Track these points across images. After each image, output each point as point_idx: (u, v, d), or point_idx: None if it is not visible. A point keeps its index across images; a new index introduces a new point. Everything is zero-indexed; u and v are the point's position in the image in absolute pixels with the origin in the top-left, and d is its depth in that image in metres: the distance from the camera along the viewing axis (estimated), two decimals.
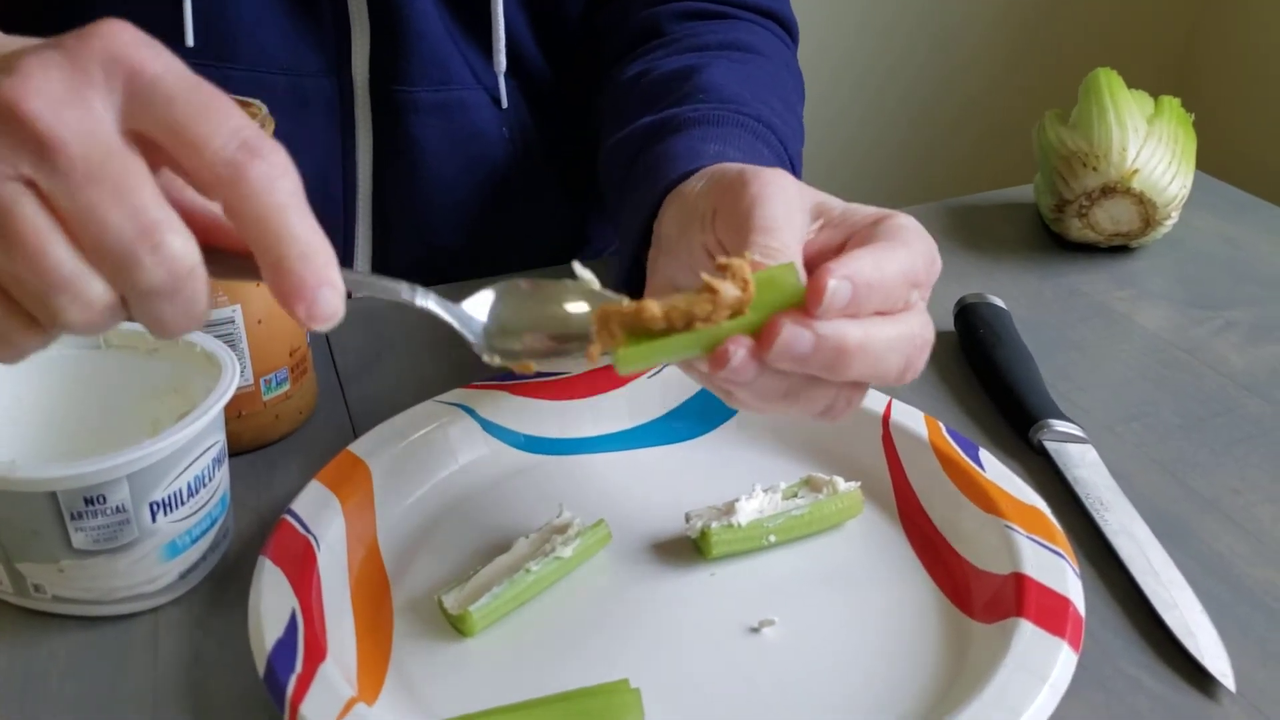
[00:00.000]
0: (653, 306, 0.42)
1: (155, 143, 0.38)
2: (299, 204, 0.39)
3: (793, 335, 0.42)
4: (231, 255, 0.41)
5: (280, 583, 0.50)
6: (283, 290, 0.39)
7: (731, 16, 0.79)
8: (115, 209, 0.37)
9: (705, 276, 0.42)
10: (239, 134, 0.38)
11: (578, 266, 0.45)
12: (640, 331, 0.42)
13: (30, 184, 0.36)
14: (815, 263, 0.49)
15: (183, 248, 0.38)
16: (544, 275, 0.82)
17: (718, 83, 0.68)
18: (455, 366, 0.71)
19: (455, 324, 0.46)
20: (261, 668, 0.46)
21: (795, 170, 0.66)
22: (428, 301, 0.45)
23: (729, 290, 0.42)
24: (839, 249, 0.49)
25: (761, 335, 0.42)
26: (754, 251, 0.46)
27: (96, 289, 0.38)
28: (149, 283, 0.37)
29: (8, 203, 0.36)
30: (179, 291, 0.38)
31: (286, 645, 0.47)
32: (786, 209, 0.49)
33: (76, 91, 0.37)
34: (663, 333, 0.42)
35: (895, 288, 0.44)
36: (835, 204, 0.51)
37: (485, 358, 0.46)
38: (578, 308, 0.46)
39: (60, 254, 0.37)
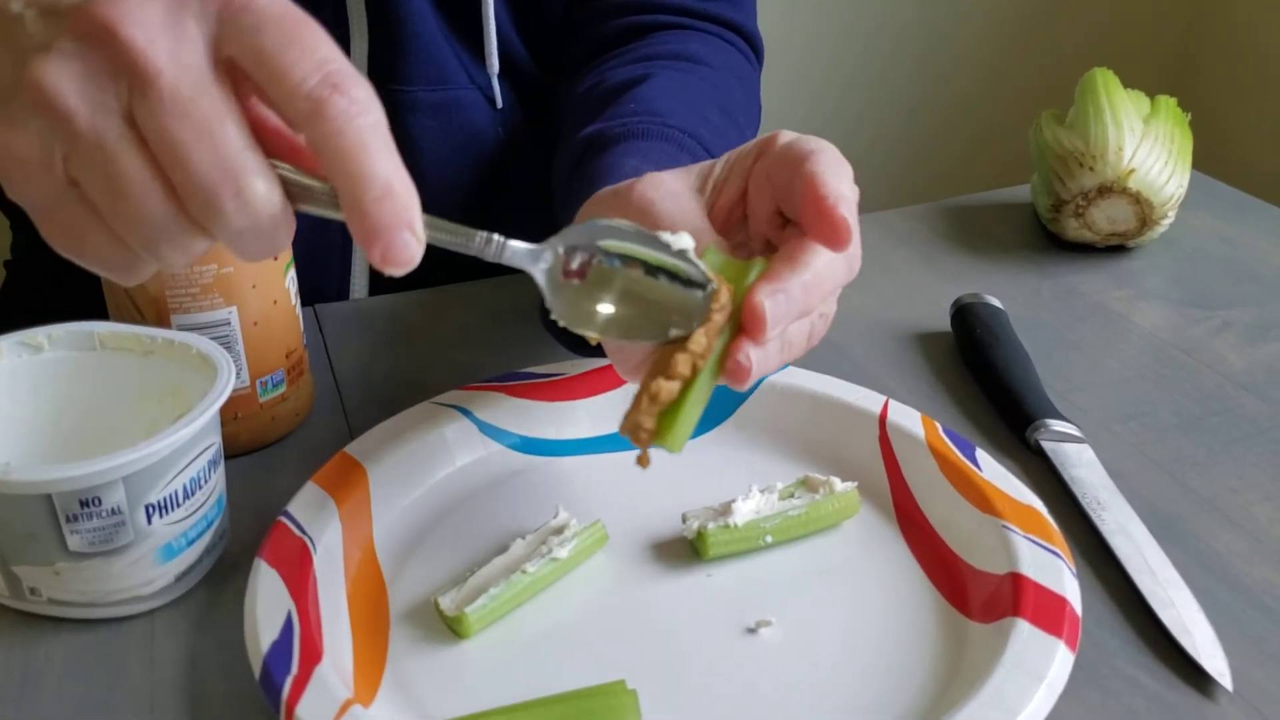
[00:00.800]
0: (664, 387, 0.44)
1: (245, 72, 0.37)
2: (380, 143, 0.38)
3: (772, 306, 0.45)
4: (321, 186, 0.40)
5: (276, 585, 0.50)
6: (360, 231, 0.38)
7: (689, 28, 0.80)
8: (201, 150, 0.36)
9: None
10: (323, 67, 0.37)
11: (683, 239, 0.47)
12: (661, 407, 0.45)
13: (128, 119, 0.36)
14: (731, 217, 0.53)
15: (265, 193, 0.38)
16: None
17: (654, 96, 0.69)
18: (452, 368, 0.71)
19: (540, 282, 0.46)
20: (257, 670, 0.46)
21: None
22: (502, 255, 0.45)
23: (715, 312, 0.45)
24: (743, 193, 0.52)
25: (746, 325, 0.45)
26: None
27: (188, 236, 0.38)
28: (232, 226, 0.38)
29: (113, 148, 0.36)
30: (261, 231, 0.39)
31: (282, 647, 0.47)
32: (673, 199, 0.51)
33: (174, 15, 0.36)
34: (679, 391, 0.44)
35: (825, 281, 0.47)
36: (710, 165, 0.54)
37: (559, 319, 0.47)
38: (671, 289, 0.46)
39: (156, 206, 0.37)
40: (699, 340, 0.44)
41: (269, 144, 0.40)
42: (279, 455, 0.64)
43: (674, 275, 0.46)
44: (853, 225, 0.46)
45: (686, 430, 0.45)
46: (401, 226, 0.38)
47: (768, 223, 0.52)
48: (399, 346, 0.74)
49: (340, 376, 0.71)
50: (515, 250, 0.45)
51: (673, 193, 0.52)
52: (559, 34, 0.84)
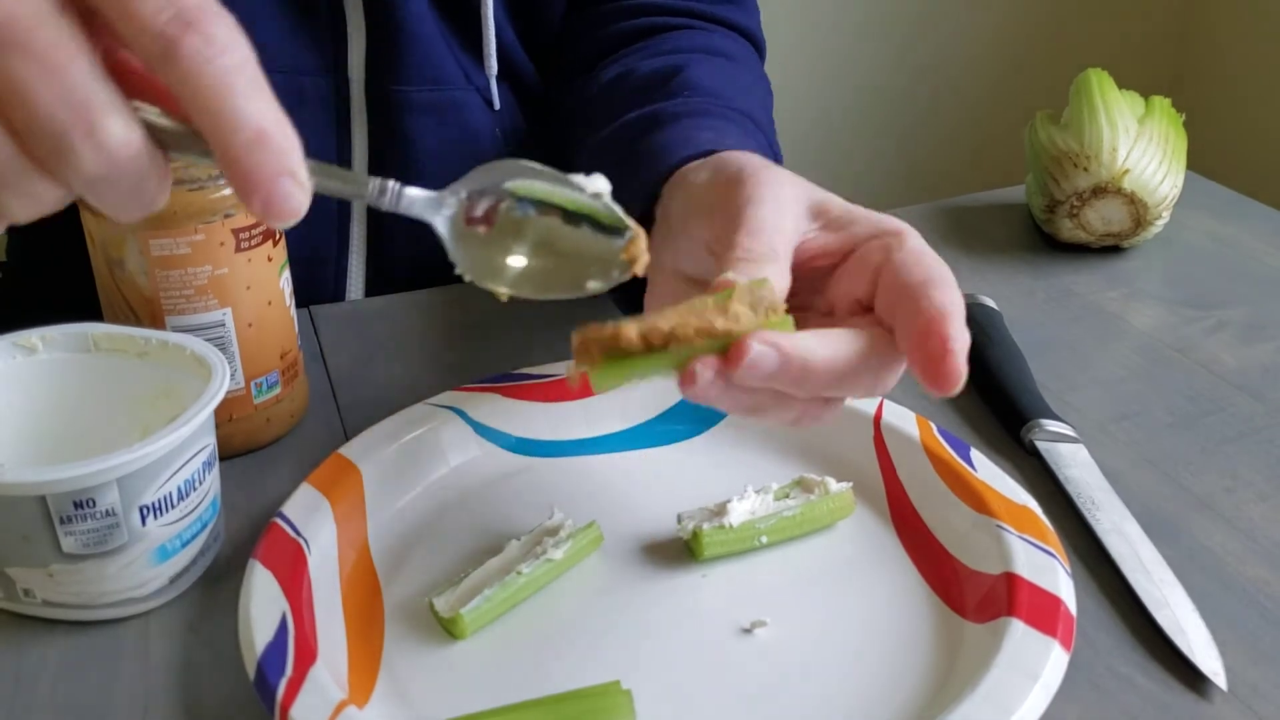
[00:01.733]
0: (629, 331, 0.42)
1: (93, 8, 0.34)
2: (245, 84, 0.35)
3: (759, 355, 0.42)
4: (189, 130, 0.37)
5: (270, 586, 0.50)
6: (234, 179, 0.35)
7: (703, 29, 0.80)
8: (45, 85, 0.33)
9: (708, 312, 0.43)
10: (175, 2, 0.34)
11: (599, 181, 0.45)
12: (618, 352, 0.43)
13: None
14: (811, 264, 0.50)
15: (122, 133, 0.34)
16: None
17: (702, 80, 0.68)
18: (447, 369, 0.71)
19: (441, 232, 0.45)
20: (251, 671, 0.46)
21: (779, 158, 0.66)
22: (398, 204, 0.43)
23: (719, 323, 0.42)
24: (840, 256, 0.49)
25: (729, 354, 0.43)
26: (737, 252, 0.46)
27: (35, 183, 0.35)
28: (86, 170, 0.34)
29: None
30: (122, 179, 0.35)
31: (277, 648, 0.47)
32: (777, 211, 0.49)
33: None
34: (640, 353, 0.43)
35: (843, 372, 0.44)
36: (835, 205, 0.51)
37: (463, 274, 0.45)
38: (579, 234, 0.44)
39: None
40: (684, 326, 0.42)
41: (136, 89, 0.36)
42: (273, 457, 0.64)
43: (589, 220, 0.44)
44: (962, 376, 0.43)
45: (616, 379, 0.43)
46: (280, 174, 0.35)
47: (844, 300, 0.50)
48: (394, 348, 0.74)
49: (335, 378, 0.71)
50: (413, 198, 0.43)
51: (790, 200, 0.49)
52: (558, 37, 0.84)
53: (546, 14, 0.83)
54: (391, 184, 0.42)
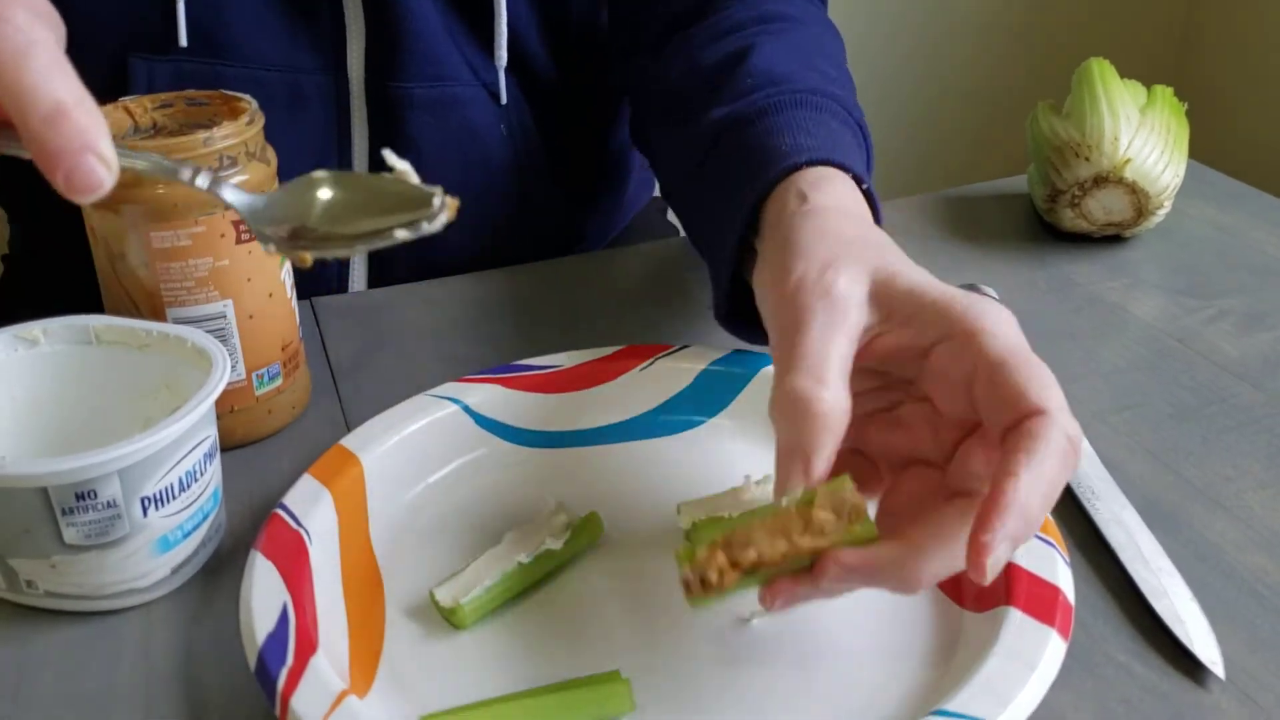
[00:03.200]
0: (724, 567, 0.44)
1: None
2: (41, 62, 0.35)
3: (841, 574, 0.44)
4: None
5: (271, 576, 0.50)
6: (36, 155, 0.35)
7: None
8: None
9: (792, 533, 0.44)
10: None
11: (391, 157, 0.46)
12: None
13: None
14: (893, 359, 0.48)
15: None
16: (535, 267, 0.82)
17: (766, 64, 0.66)
18: (449, 361, 0.71)
19: (237, 207, 0.46)
20: (252, 661, 0.46)
21: (861, 129, 0.65)
22: (206, 183, 0.44)
23: (805, 543, 0.44)
24: (917, 353, 0.47)
25: (815, 567, 0.44)
26: (785, 391, 0.45)
27: None
28: None
29: None
30: None
31: (277, 639, 0.47)
32: (828, 328, 0.47)
33: None
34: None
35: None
36: (899, 285, 0.48)
37: (263, 246, 0.46)
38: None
39: None
40: (772, 552, 0.44)
41: None
42: (275, 448, 0.64)
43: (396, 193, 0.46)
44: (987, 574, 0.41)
45: (714, 603, 0.46)
46: (82, 150, 0.35)
47: (941, 400, 0.47)
48: (396, 339, 0.74)
49: (337, 369, 0.71)
50: (229, 196, 0.45)
51: (843, 304, 0.47)
52: (582, 21, 0.83)
53: (571, 2, 0.81)
54: (206, 171, 0.43)
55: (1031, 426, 0.42)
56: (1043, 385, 0.44)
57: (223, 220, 0.58)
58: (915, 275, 0.49)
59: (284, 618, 0.48)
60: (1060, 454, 0.42)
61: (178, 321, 0.59)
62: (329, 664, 0.46)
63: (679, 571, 0.46)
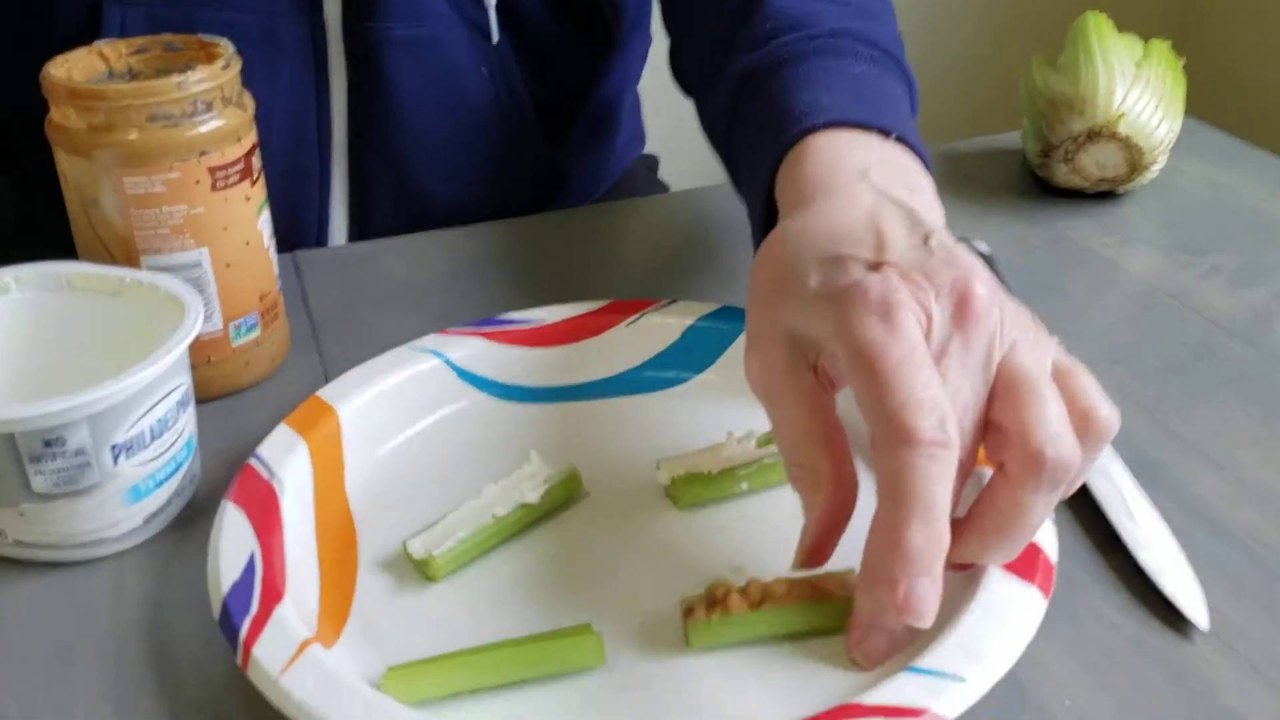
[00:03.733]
0: (739, 605, 0.47)
1: None
2: None
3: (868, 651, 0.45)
4: None
5: (241, 525, 0.49)
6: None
7: None
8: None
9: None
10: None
11: None
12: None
13: None
14: None
15: None
16: (521, 222, 0.81)
17: (784, 5, 0.62)
18: (431, 315, 0.70)
19: None
20: (217, 610, 0.46)
21: (897, 62, 0.62)
22: None
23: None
24: None
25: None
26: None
27: None
28: None
29: None
30: None
31: (243, 587, 0.46)
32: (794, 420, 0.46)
33: None
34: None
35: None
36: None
37: None
38: None
39: None
40: (777, 586, 0.47)
41: None
42: (253, 400, 0.63)
43: None
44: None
45: (715, 641, 0.47)
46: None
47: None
48: (377, 292, 0.73)
49: (317, 322, 0.70)
50: None
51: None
52: None
53: None
54: None
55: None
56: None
57: (198, 166, 0.57)
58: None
59: (250, 567, 0.47)
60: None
61: (152, 269, 0.58)
62: (295, 613, 0.45)
63: (681, 605, 0.47)
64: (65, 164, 0.58)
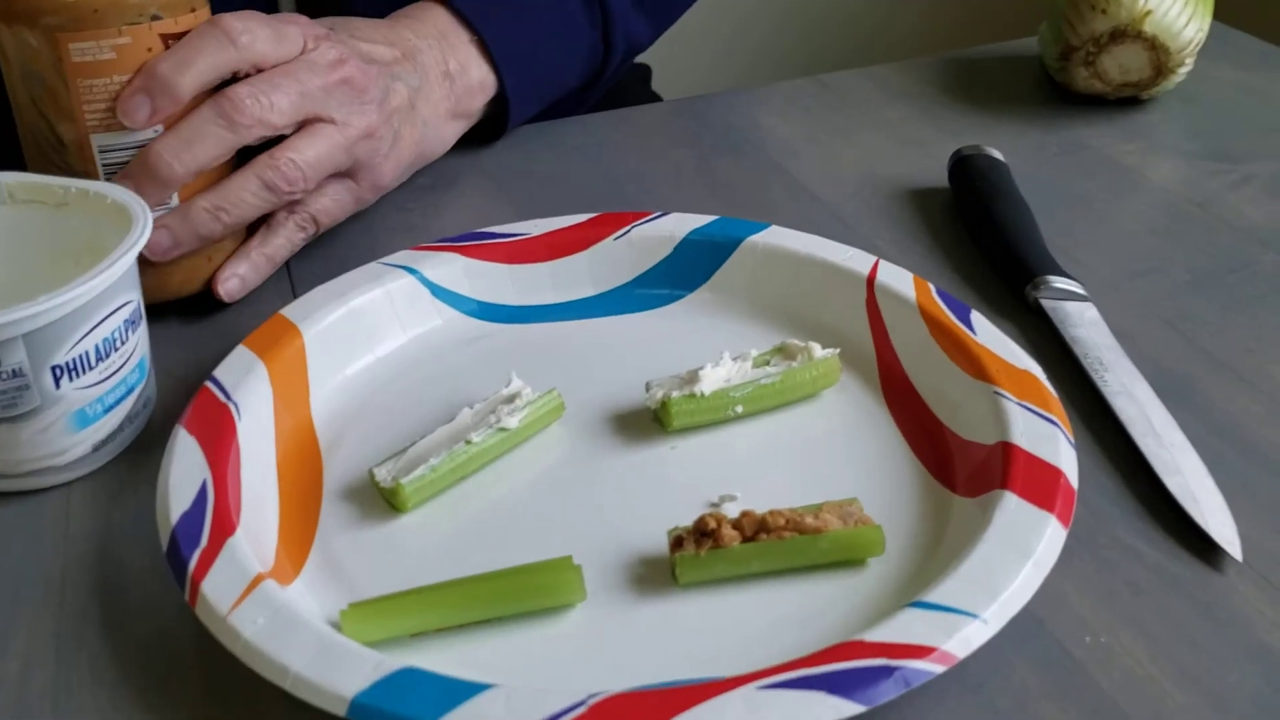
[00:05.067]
0: (731, 538, 0.43)
1: None
2: None
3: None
4: None
5: (193, 453, 0.46)
6: None
7: None
8: None
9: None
10: None
11: None
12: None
13: None
14: None
15: None
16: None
17: None
18: (410, 232, 0.66)
19: None
20: (165, 542, 0.42)
21: None
22: None
23: (809, 520, 0.43)
24: None
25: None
26: None
27: None
28: None
29: None
30: None
31: (192, 518, 0.42)
32: None
33: None
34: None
35: None
36: None
37: None
38: None
39: None
40: (773, 519, 0.43)
41: None
42: (216, 320, 0.59)
43: None
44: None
45: (703, 577, 0.44)
46: None
47: None
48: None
49: None
50: None
51: None
52: None
53: None
54: None
55: None
56: None
57: (149, 33, 0.53)
58: None
59: (202, 496, 0.44)
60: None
61: (104, 151, 0.55)
62: (249, 547, 0.42)
63: (669, 536, 0.44)
64: (6, 38, 0.53)
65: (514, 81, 0.71)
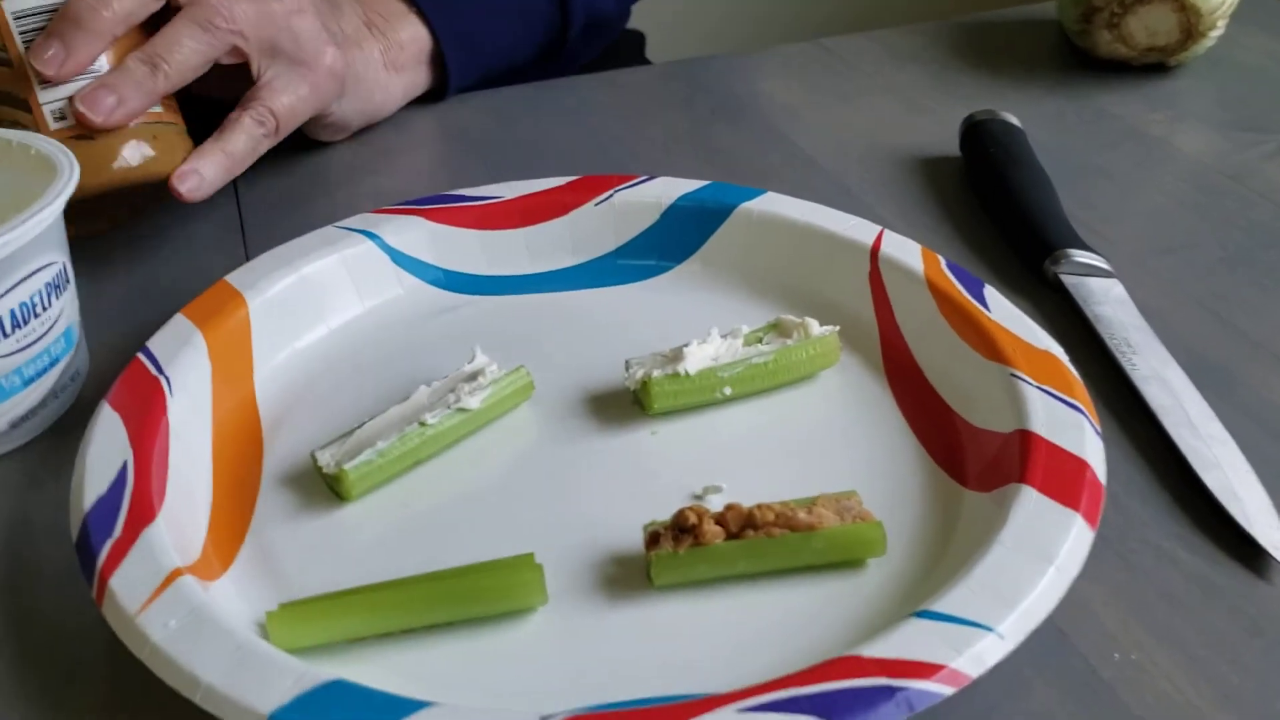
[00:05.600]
0: (714, 534, 0.38)
1: None
2: None
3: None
4: None
5: (115, 431, 0.41)
6: None
7: None
8: None
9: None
10: None
11: None
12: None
13: None
14: None
15: None
16: (484, 94, 0.71)
17: None
18: (376, 198, 0.61)
19: None
20: (75, 531, 0.37)
21: None
22: None
23: (802, 515, 0.39)
24: None
25: None
26: None
27: None
28: None
29: None
30: None
31: (107, 505, 0.38)
32: None
33: None
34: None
35: None
36: None
37: None
38: None
39: None
40: (761, 514, 0.38)
41: None
42: (164, 288, 0.54)
43: None
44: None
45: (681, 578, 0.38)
46: None
47: None
48: (311, 171, 0.64)
49: (245, 205, 0.61)
50: None
51: None
52: None
53: None
54: None
55: None
56: None
57: None
58: None
59: (120, 480, 0.39)
60: None
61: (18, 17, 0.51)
62: (170, 538, 0.37)
63: (645, 532, 0.39)
64: None
65: (449, 40, 0.69)
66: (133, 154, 0.53)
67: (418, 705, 0.31)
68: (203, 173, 0.54)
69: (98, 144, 0.52)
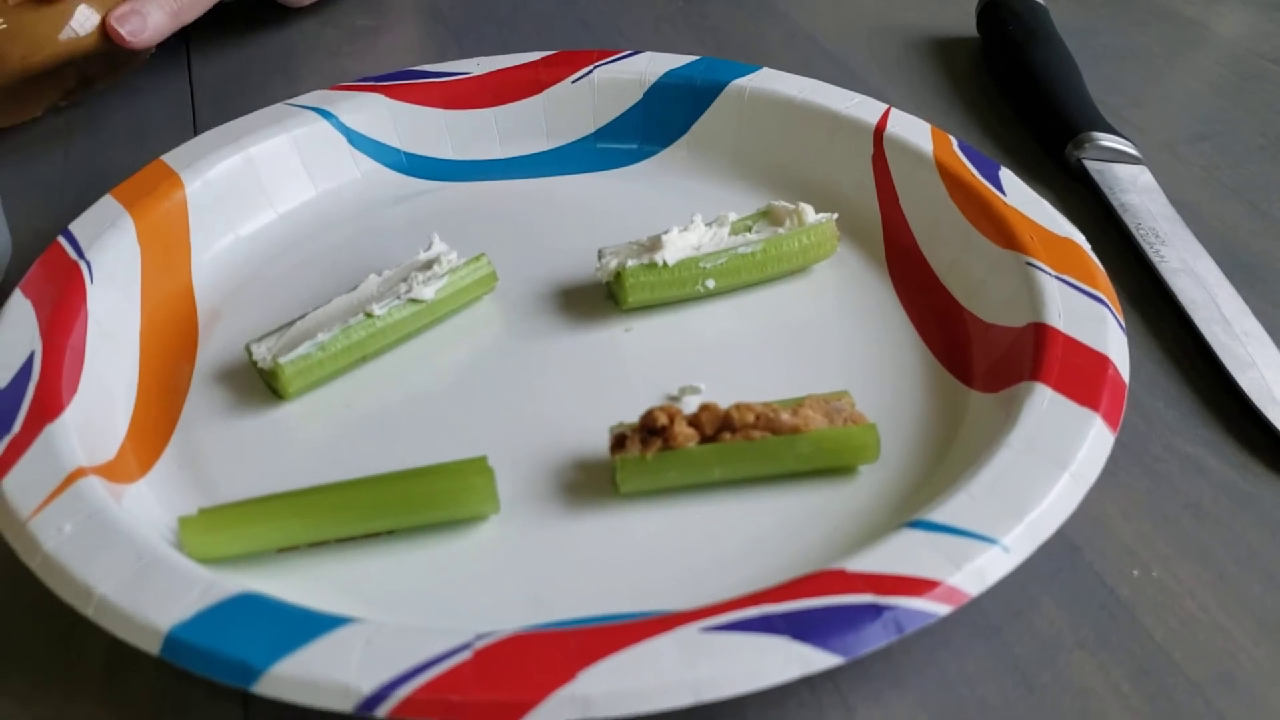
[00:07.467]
0: (686, 437, 0.34)
1: None
2: None
3: None
4: None
5: (24, 319, 0.37)
6: None
7: None
8: None
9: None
10: None
11: None
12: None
13: None
14: None
15: None
16: None
17: None
18: (338, 78, 0.56)
19: None
20: None
21: None
22: None
23: (786, 417, 0.34)
24: None
25: None
26: None
27: None
28: None
29: None
30: None
31: (8, 399, 0.34)
32: None
33: None
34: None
35: None
36: None
37: None
38: None
39: None
40: (740, 415, 0.34)
41: None
42: (100, 170, 0.50)
43: None
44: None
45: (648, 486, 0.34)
46: None
47: None
48: (275, 48, 0.59)
49: (197, 81, 0.56)
50: None
51: None
52: None
53: None
54: None
55: None
56: None
57: None
58: None
59: (25, 373, 0.35)
60: None
61: None
62: (77, 436, 0.33)
63: (611, 434, 0.35)
64: None
65: None
66: (82, 23, 0.48)
67: (336, 621, 0.28)
68: (145, 13, 0.49)
69: (44, 14, 0.47)
